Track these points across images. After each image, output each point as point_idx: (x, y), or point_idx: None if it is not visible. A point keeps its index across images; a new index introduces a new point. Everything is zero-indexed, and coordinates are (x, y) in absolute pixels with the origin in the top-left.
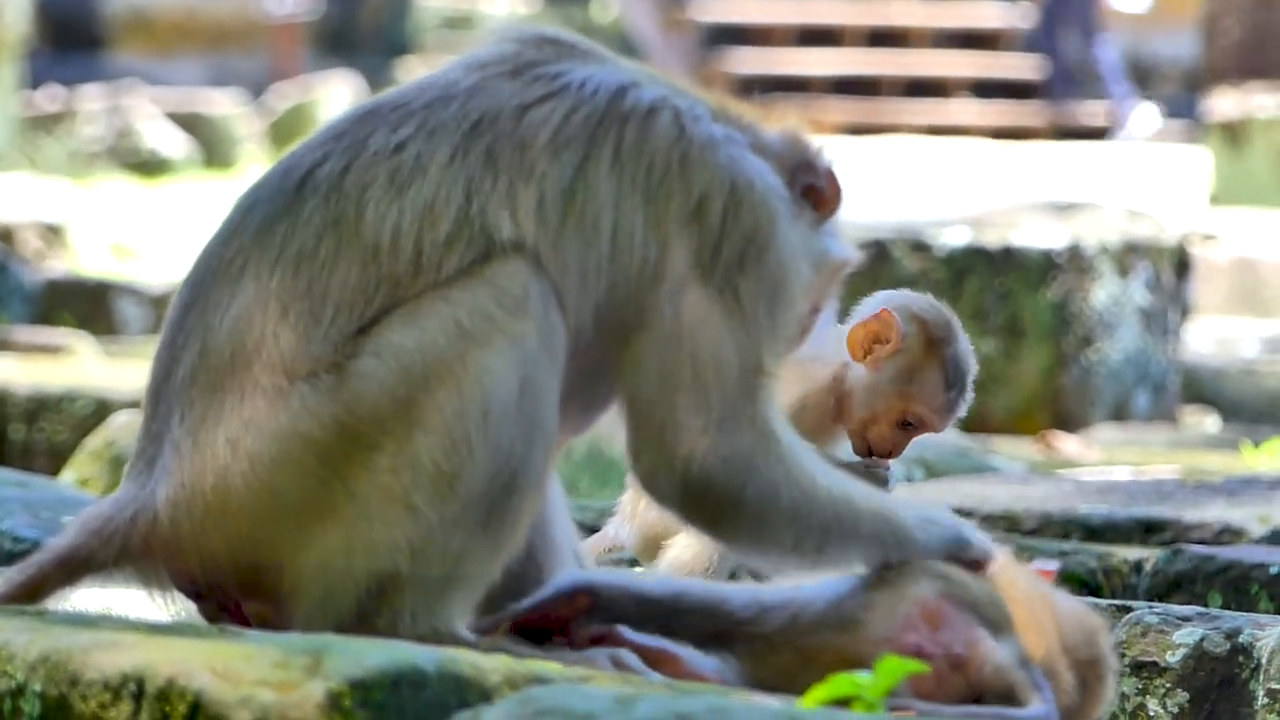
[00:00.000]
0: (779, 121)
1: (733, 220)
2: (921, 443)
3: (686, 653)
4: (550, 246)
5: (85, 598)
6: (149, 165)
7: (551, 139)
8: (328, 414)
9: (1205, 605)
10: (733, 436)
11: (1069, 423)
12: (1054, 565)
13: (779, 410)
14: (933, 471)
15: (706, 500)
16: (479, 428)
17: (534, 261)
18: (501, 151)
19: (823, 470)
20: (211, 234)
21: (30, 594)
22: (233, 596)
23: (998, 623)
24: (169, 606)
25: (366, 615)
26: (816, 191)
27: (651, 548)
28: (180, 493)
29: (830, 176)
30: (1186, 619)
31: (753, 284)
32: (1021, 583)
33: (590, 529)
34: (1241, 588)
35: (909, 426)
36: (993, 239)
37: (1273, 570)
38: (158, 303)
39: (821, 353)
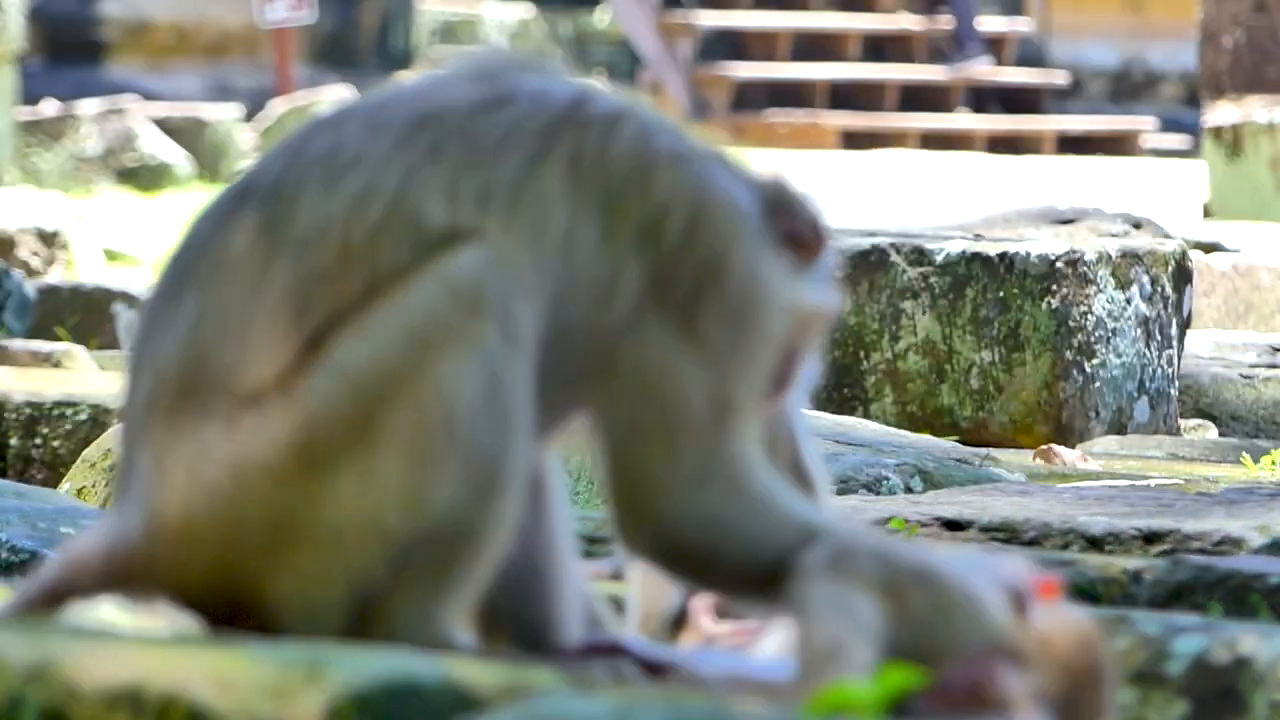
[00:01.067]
0: (757, 167)
1: (691, 241)
2: (920, 452)
3: (690, 661)
4: (498, 235)
5: (80, 608)
6: (146, 176)
7: (503, 137)
8: (280, 439)
9: (1205, 615)
10: (705, 492)
11: (1068, 432)
12: (1057, 577)
13: (754, 449)
14: (931, 481)
15: (681, 558)
16: (444, 440)
17: (484, 251)
18: (447, 145)
19: (807, 514)
20: (165, 256)
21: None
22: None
23: (1019, 655)
24: (164, 618)
25: (357, 633)
26: (799, 237)
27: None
28: (150, 525)
29: (814, 223)
30: (1187, 629)
31: (714, 314)
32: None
33: (590, 539)
34: (1242, 598)
35: None
36: (992, 248)
37: (1273, 580)
38: None
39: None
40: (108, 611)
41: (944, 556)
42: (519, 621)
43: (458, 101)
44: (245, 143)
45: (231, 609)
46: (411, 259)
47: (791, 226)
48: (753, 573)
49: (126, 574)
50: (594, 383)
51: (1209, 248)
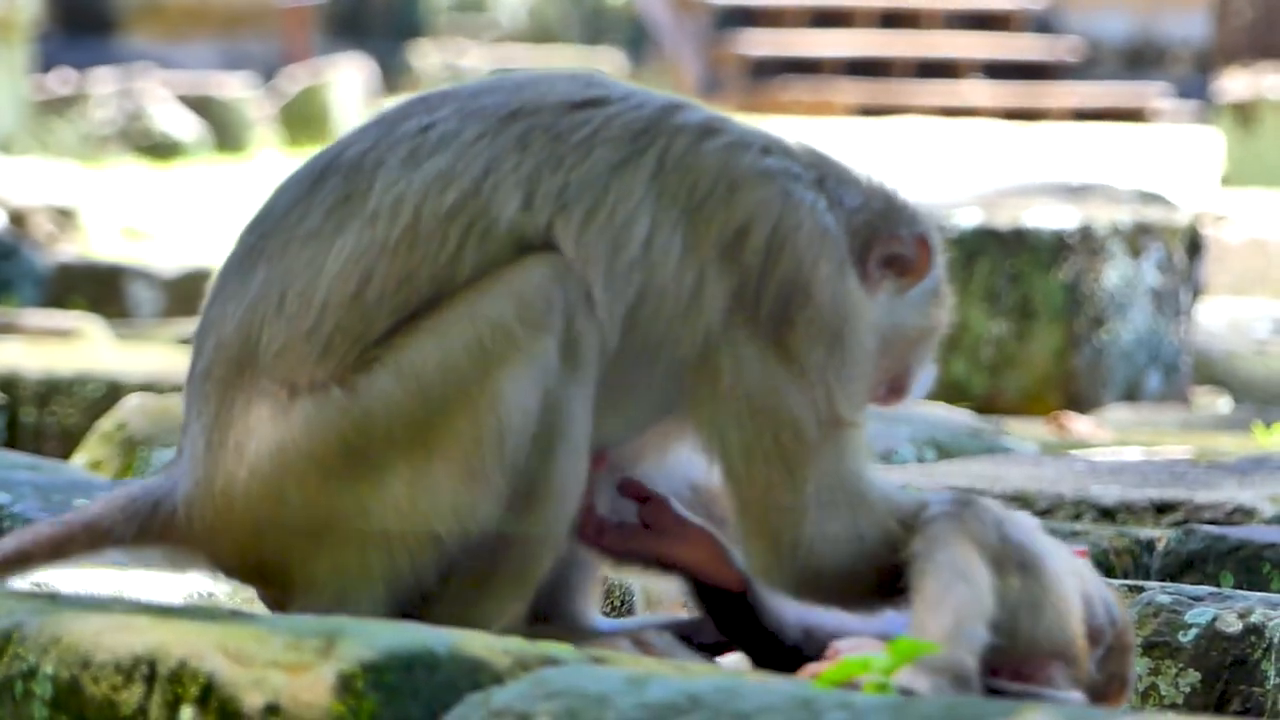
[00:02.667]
0: (866, 177)
1: (774, 259)
2: (933, 423)
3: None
4: (571, 238)
5: (97, 580)
6: (160, 148)
7: (591, 136)
8: (334, 432)
9: (1217, 585)
10: (834, 514)
11: (1081, 403)
12: (1084, 548)
13: (866, 462)
14: (944, 452)
15: (821, 583)
16: (495, 454)
17: (557, 261)
18: (535, 138)
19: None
20: (243, 223)
21: (54, 551)
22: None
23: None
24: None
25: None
26: (901, 260)
27: None
28: (194, 490)
29: (921, 243)
30: (1199, 599)
31: (805, 334)
32: (1061, 563)
33: None
34: (1253, 567)
35: None
36: (1004, 220)
37: None
38: (169, 286)
39: None
40: (123, 582)
41: (1051, 549)
42: (549, 604)
43: (553, 97)
44: (259, 114)
45: (258, 577)
46: (478, 252)
47: (891, 250)
48: (888, 580)
49: (164, 533)
50: (693, 399)
51: (1221, 219)
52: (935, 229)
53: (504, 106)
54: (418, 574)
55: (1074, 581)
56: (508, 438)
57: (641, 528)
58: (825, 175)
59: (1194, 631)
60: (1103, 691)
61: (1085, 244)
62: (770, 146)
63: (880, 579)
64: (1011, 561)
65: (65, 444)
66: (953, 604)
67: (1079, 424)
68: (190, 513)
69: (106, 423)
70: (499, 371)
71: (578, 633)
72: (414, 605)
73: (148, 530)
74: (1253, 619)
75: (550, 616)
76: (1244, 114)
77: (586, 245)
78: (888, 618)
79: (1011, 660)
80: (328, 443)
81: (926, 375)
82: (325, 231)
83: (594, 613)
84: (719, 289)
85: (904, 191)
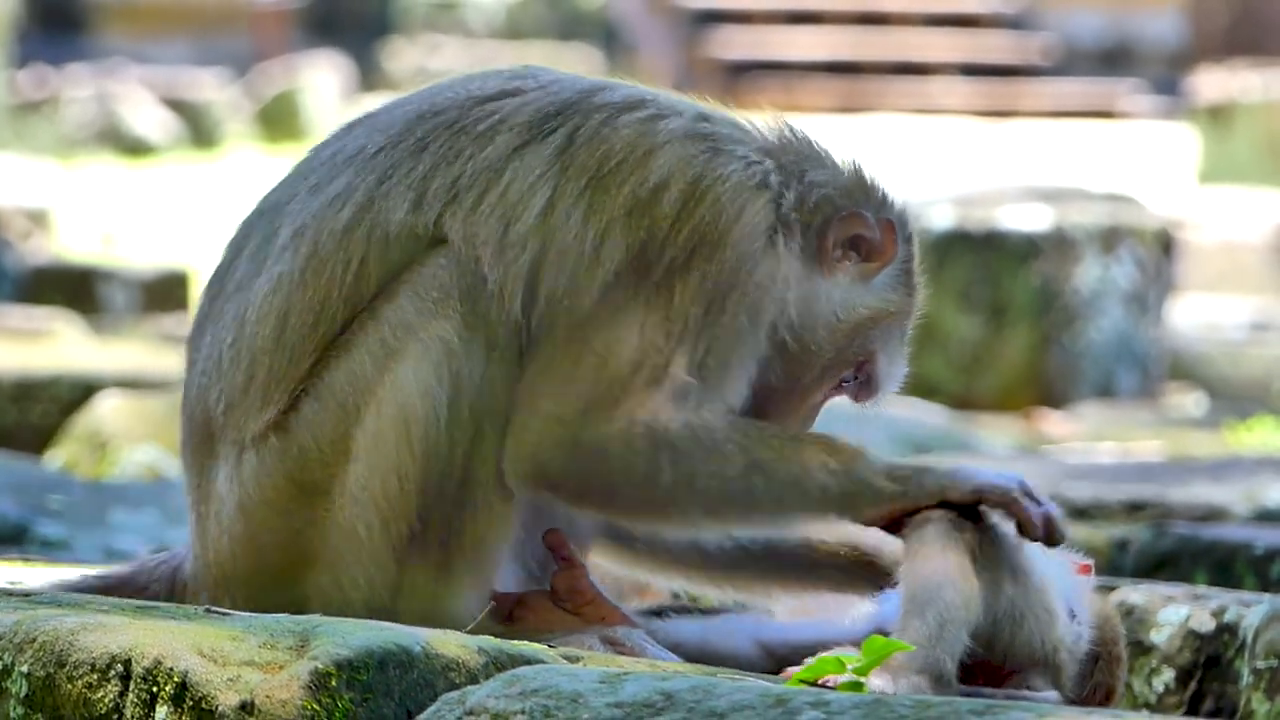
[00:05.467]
0: (839, 157)
1: (690, 210)
2: (906, 422)
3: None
4: (459, 225)
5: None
6: (135, 147)
7: (496, 124)
8: (280, 474)
9: (1191, 584)
10: (590, 429)
11: (1054, 402)
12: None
13: (693, 416)
14: (918, 450)
15: (559, 488)
16: (402, 442)
17: (449, 249)
18: (435, 138)
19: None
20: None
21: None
22: None
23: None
24: None
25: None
26: (864, 242)
27: None
28: (192, 565)
29: (887, 227)
30: (1172, 598)
31: (695, 283)
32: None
33: None
34: (1227, 566)
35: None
36: (977, 221)
37: (1258, 549)
38: (143, 286)
39: None
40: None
41: (1040, 558)
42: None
43: (464, 95)
44: (234, 113)
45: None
46: (380, 263)
47: (854, 231)
48: (640, 505)
49: (184, 591)
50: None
51: (1193, 219)
52: (906, 214)
53: (412, 113)
54: (381, 577)
55: (1063, 590)
56: (417, 426)
57: (549, 599)
58: (781, 149)
59: (1167, 630)
60: (1088, 699)
61: (1058, 244)
62: (707, 116)
63: (653, 506)
64: (1005, 570)
65: (40, 443)
66: (939, 608)
67: (1052, 421)
68: (195, 585)
69: (80, 422)
70: (397, 365)
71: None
72: (386, 607)
73: (174, 592)
74: (1226, 618)
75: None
76: (1217, 113)
77: (476, 226)
78: (848, 626)
79: (989, 666)
80: (278, 487)
81: (897, 369)
82: (247, 280)
83: None
84: (620, 245)
85: (880, 176)
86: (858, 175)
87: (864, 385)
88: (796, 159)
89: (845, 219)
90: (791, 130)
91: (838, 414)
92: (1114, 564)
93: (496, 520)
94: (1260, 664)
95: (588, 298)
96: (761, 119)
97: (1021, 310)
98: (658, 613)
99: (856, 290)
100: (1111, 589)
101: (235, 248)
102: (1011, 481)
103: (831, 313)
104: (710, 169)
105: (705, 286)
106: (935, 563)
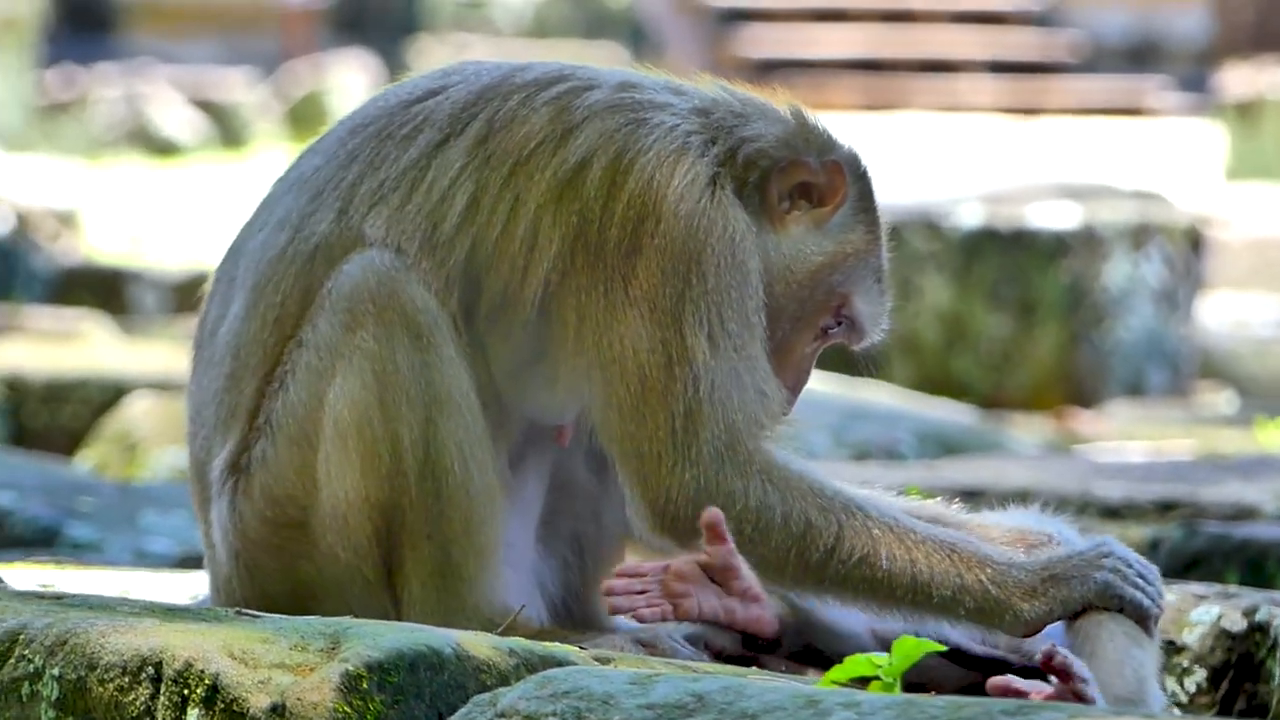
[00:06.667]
0: (785, 103)
1: (619, 185)
2: (936, 421)
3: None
4: (383, 227)
5: (102, 581)
6: (163, 147)
7: (420, 124)
8: (250, 513)
9: (1222, 583)
10: (698, 465)
11: (1083, 400)
12: None
13: (758, 408)
14: (948, 450)
15: (698, 535)
16: (347, 458)
17: (367, 256)
18: (363, 148)
19: (822, 483)
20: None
21: None
22: None
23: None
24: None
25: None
26: (811, 188)
27: None
28: (215, 590)
29: (833, 169)
30: (1203, 597)
31: (655, 262)
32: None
33: None
34: (1258, 565)
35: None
36: (1006, 219)
37: None
38: (173, 288)
39: None
40: (128, 583)
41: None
42: (571, 604)
43: (394, 102)
44: (261, 112)
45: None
46: (300, 284)
47: (799, 179)
48: (768, 546)
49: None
50: (551, 357)
51: (1222, 216)
52: (855, 154)
53: (345, 128)
54: (381, 590)
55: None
56: (353, 437)
57: (701, 568)
58: (714, 107)
59: (1199, 630)
60: None
61: (1087, 242)
62: (632, 84)
63: (777, 549)
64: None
65: (70, 444)
66: (1133, 666)
67: (1082, 420)
68: (222, 601)
69: (111, 423)
70: (329, 387)
71: (589, 632)
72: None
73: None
74: (1258, 617)
75: (572, 614)
76: (1245, 110)
77: (403, 224)
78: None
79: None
80: (258, 528)
81: (877, 308)
82: (216, 324)
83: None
84: (554, 234)
85: (821, 120)
86: (798, 123)
87: (849, 329)
88: (728, 117)
89: (785, 169)
90: (728, 89)
91: (868, 413)
92: None
93: (478, 500)
94: None
95: (535, 289)
96: (700, 81)
97: (1051, 309)
98: None
99: (812, 237)
100: None
101: (210, 295)
102: (1155, 598)
103: (785, 266)
104: (632, 141)
105: (665, 263)
106: (1119, 624)
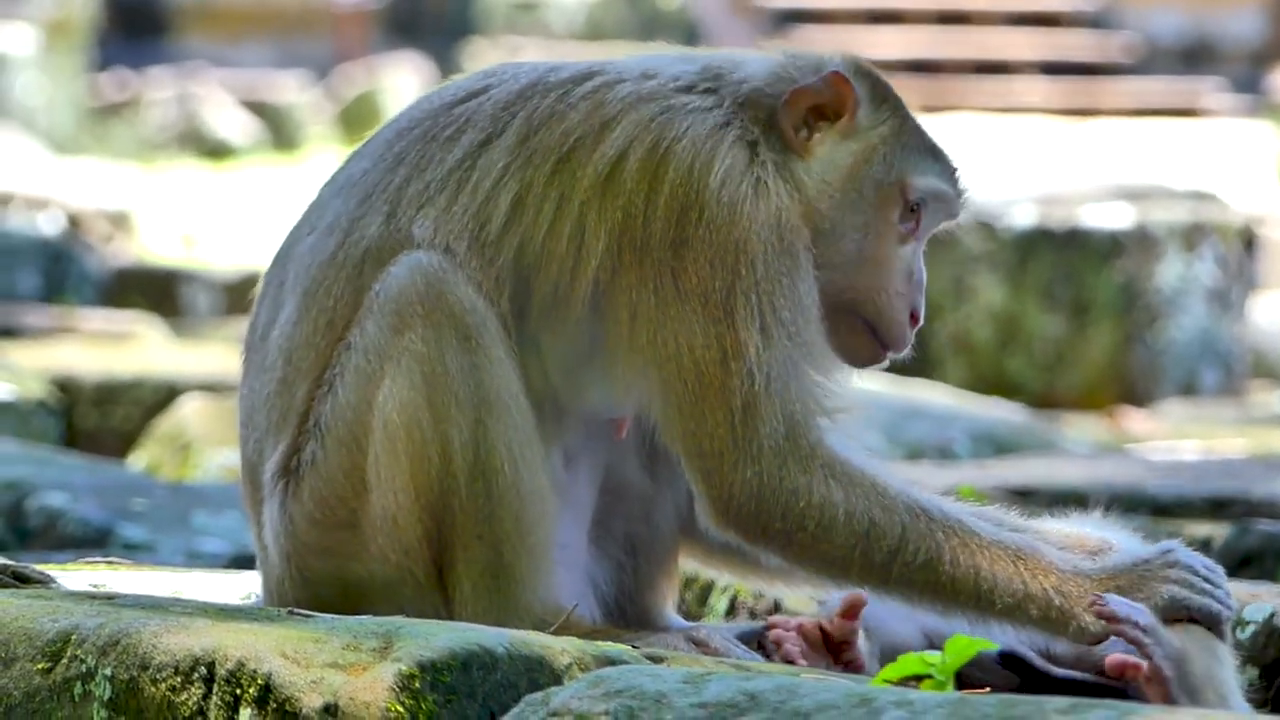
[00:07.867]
0: (766, 51)
1: (659, 175)
2: (989, 420)
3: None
4: (431, 229)
5: (154, 581)
6: (216, 149)
7: (462, 126)
8: (303, 518)
9: (1275, 581)
10: (760, 462)
11: (1136, 400)
12: None
13: (819, 399)
14: (1001, 448)
15: (769, 535)
16: (396, 460)
17: (414, 258)
18: (409, 151)
19: (884, 472)
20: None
21: None
22: None
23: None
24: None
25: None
26: (823, 108)
27: None
28: (267, 591)
29: (836, 80)
30: (1256, 595)
31: (702, 253)
32: None
33: None
34: None
35: None
36: (1060, 219)
37: None
38: (225, 290)
39: None
40: (181, 583)
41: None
42: (625, 604)
43: (437, 104)
44: (314, 115)
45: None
46: (351, 287)
47: (807, 104)
48: (832, 545)
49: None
50: (607, 356)
51: (1275, 216)
52: (852, 57)
53: (392, 131)
54: (433, 592)
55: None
56: (402, 440)
57: (820, 633)
58: (720, 70)
59: (1252, 628)
60: None
61: (1140, 242)
62: (652, 71)
63: (842, 545)
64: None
65: (122, 445)
66: (1214, 687)
67: (1135, 419)
68: (274, 602)
69: (163, 424)
70: (377, 390)
71: (642, 631)
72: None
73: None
74: None
75: (626, 615)
76: None
77: (450, 227)
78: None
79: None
80: (308, 530)
81: (944, 177)
82: (267, 329)
83: (670, 611)
84: (600, 231)
85: (812, 44)
86: (781, 55)
87: (930, 213)
88: (731, 69)
89: (787, 103)
90: (719, 51)
91: (922, 413)
92: None
93: (529, 500)
94: None
95: (586, 287)
96: (694, 51)
97: (1104, 308)
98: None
99: (843, 148)
100: None
101: (260, 299)
102: (1224, 600)
103: (823, 184)
104: (667, 130)
105: (712, 254)
106: (1199, 640)
